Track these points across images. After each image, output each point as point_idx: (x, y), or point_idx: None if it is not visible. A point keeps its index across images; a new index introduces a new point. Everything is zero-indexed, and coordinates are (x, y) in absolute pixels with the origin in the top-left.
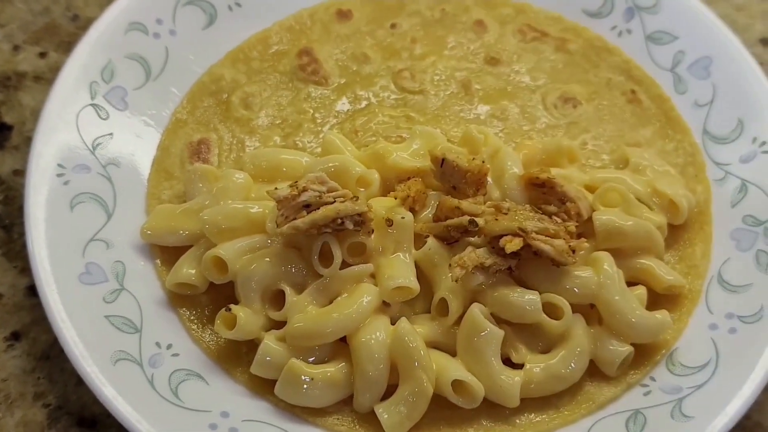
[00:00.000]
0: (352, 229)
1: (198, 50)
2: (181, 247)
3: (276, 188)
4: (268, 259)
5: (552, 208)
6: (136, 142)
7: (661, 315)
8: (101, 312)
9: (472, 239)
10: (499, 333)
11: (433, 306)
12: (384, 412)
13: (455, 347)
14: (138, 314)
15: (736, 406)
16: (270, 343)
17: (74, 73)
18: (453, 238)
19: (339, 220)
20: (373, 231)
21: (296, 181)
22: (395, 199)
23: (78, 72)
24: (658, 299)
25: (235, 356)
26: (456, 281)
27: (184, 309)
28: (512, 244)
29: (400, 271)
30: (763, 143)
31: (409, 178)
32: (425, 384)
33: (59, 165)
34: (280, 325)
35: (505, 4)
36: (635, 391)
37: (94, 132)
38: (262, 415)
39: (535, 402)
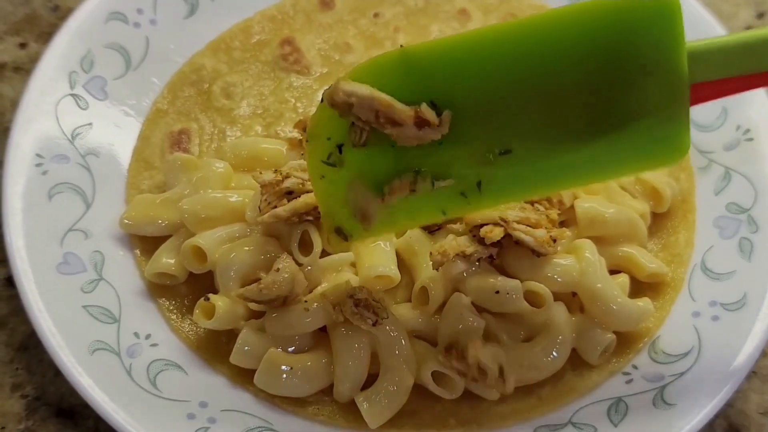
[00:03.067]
0: None
1: (179, 40)
2: (161, 237)
3: (261, 173)
4: (247, 248)
5: None
6: (115, 132)
7: (643, 303)
8: (79, 302)
9: (454, 226)
10: (481, 322)
11: (414, 295)
12: (364, 402)
13: (436, 336)
14: (116, 304)
15: (718, 394)
16: (249, 332)
17: (53, 62)
18: (435, 226)
19: None
20: None
21: (280, 168)
22: None
23: (57, 62)
24: (640, 287)
25: (215, 346)
26: (437, 269)
27: (163, 299)
28: (493, 234)
29: (380, 259)
30: (747, 131)
31: None
32: (406, 374)
33: (38, 155)
34: (259, 314)
35: None
36: (617, 379)
37: (74, 122)
38: (242, 405)
39: (517, 391)
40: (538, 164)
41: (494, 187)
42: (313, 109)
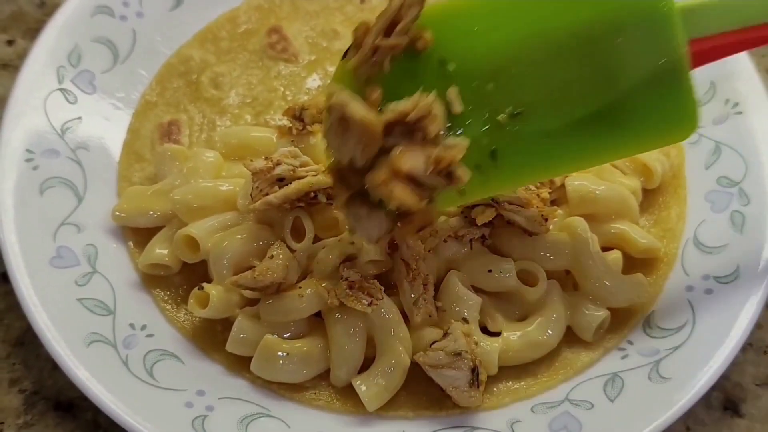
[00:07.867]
0: (325, 203)
1: (166, 32)
2: (154, 229)
3: (251, 160)
4: (239, 236)
5: None
6: (105, 126)
7: (636, 278)
8: (73, 295)
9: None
10: (477, 300)
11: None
12: (362, 385)
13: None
14: (111, 296)
15: (714, 367)
16: (244, 320)
17: (41, 58)
18: None
19: (312, 194)
20: None
21: (270, 156)
22: None
23: (45, 57)
24: (634, 263)
25: (211, 335)
26: (429, 251)
27: (157, 290)
28: (484, 215)
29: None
30: (736, 104)
31: None
32: (402, 355)
33: (28, 150)
34: (254, 302)
35: None
36: (613, 355)
37: (63, 116)
38: (239, 393)
39: (513, 370)
40: (552, 137)
41: (509, 160)
42: (302, 97)
